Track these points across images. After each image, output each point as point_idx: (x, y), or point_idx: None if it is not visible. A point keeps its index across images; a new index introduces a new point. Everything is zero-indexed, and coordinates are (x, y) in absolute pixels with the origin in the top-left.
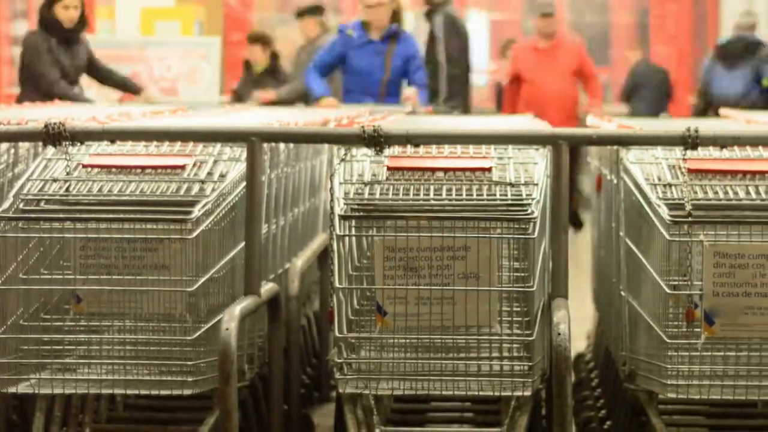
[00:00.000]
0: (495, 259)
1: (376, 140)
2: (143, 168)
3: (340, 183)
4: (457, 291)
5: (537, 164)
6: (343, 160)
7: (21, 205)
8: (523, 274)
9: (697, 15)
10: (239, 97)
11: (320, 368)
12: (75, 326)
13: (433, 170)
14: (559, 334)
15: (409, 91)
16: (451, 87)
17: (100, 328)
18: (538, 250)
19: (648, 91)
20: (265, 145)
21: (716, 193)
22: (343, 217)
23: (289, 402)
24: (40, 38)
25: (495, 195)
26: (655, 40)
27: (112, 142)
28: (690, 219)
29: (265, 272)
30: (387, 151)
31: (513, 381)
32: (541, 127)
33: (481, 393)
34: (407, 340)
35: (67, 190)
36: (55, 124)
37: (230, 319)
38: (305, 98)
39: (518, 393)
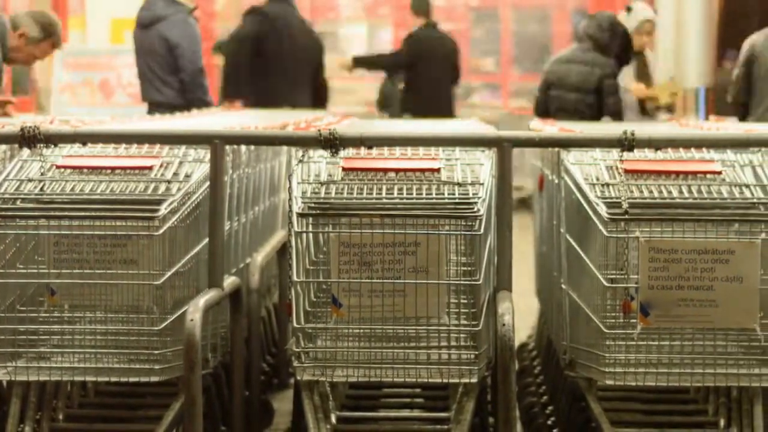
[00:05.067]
0: (443, 254)
1: (332, 143)
2: (113, 169)
3: (298, 183)
4: (408, 284)
5: (483, 165)
6: (300, 161)
7: None
8: (469, 268)
9: None
10: None
11: (279, 357)
12: (49, 317)
13: (386, 171)
14: (504, 324)
15: None
16: None
17: (72, 319)
18: (484, 246)
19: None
20: (228, 147)
21: (651, 192)
22: (300, 215)
23: (250, 388)
24: None
25: (443, 194)
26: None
27: (84, 144)
28: (627, 216)
29: (227, 267)
30: (342, 153)
31: (460, 369)
32: (487, 130)
33: (430, 380)
34: (361, 330)
35: (41, 189)
36: (30, 127)
37: (195, 310)
38: None
39: (465, 380)
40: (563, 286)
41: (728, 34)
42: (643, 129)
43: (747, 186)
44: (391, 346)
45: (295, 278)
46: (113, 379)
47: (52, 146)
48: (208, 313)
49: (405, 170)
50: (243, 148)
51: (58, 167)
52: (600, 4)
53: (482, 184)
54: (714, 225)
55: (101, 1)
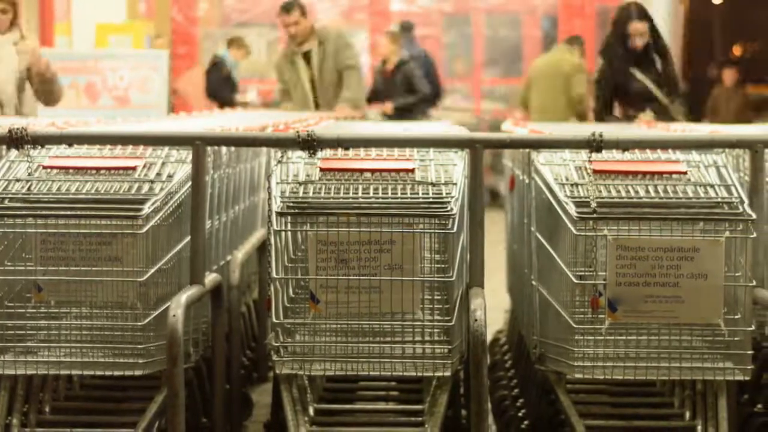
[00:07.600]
0: (418, 251)
1: (310, 144)
2: (98, 169)
3: (277, 183)
4: (384, 281)
5: (456, 165)
6: (279, 161)
7: None
8: (443, 266)
9: (601, 29)
10: None
11: (259, 351)
12: (36, 313)
13: (362, 171)
14: (476, 320)
15: None
16: None
17: (59, 314)
18: (456, 244)
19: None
20: (209, 148)
21: (619, 191)
22: (279, 214)
23: (230, 382)
24: None
25: (418, 193)
26: None
27: (70, 145)
28: (595, 215)
29: (208, 264)
30: (320, 154)
31: (434, 362)
32: (459, 132)
33: (405, 373)
34: (338, 326)
35: (28, 189)
36: (18, 128)
37: (177, 306)
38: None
39: (439, 373)
40: (534, 283)
41: (695, 43)
42: (610, 131)
43: (711, 186)
44: (367, 341)
45: (274, 275)
46: (98, 373)
47: (39, 147)
48: (189, 309)
49: (380, 170)
50: (224, 149)
51: (44, 168)
52: (570, 9)
53: (455, 184)
54: (679, 223)
55: (86, 7)
